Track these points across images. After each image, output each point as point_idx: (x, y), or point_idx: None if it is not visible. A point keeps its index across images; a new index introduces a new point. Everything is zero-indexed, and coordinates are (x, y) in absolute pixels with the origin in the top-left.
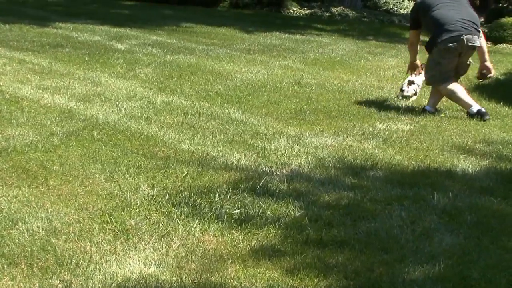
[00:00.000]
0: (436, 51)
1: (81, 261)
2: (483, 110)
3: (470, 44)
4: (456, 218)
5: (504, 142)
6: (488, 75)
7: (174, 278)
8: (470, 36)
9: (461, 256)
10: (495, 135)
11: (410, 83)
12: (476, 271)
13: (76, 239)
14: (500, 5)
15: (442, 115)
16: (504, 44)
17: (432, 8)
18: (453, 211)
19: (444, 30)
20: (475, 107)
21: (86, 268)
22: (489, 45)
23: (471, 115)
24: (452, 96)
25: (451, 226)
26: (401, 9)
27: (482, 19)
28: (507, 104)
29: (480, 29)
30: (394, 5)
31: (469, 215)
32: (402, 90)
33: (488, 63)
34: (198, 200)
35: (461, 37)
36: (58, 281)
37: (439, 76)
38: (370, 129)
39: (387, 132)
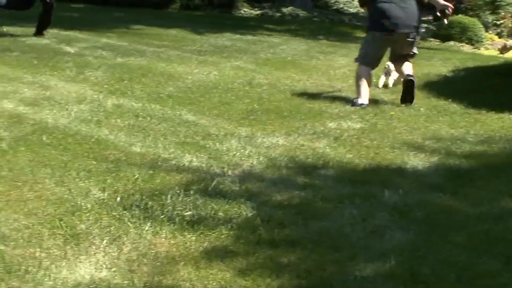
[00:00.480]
0: (370, 34)
1: (31, 267)
2: (364, 104)
3: (406, 39)
4: (406, 214)
5: (452, 138)
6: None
7: (126, 282)
8: (403, 31)
9: (412, 252)
10: (444, 131)
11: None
12: (426, 267)
13: (25, 245)
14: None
15: (392, 113)
16: (452, 42)
17: None
18: (403, 208)
19: (381, 18)
20: (361, 100)
21: (36, 275)
22: (437, 43)
23: (352, 103)
24: (356, 78)
25: (402, 223)
26: (351, 8)
27: (431, 17)
28: (455, 101)
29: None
30: (344, 4)
31: (419, 212)
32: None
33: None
34: (150, 202)
35: (394, 31)
36: None
37: (362, 56)
38: (321, 128)
39: (338, 131)
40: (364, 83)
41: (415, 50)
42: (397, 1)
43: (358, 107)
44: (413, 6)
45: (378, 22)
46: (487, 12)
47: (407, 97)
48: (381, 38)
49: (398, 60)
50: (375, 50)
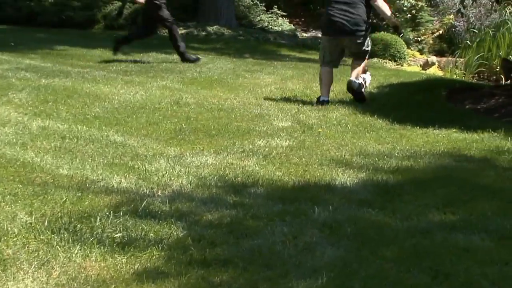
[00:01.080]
0: (322, 38)
1: None
2: (325, 99)
3: (351, 42)
4: (336, 231)
5: (379, 154)
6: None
7: None
8: (346, 36)
9: (343, 268)
10: (371, 147)
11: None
12: (357, 282)
13: None
14: (370, 21)
15: (320, 130)
16: (376, 59)
17: None
18: (333, 224)
19: (329, 24)
20: (322, 97)
21: None
22: None
23: (317, 101)
24: (319, 78)
25: (332, 239)
26: (276, 26)
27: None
28: (381, 117)
29: (364, 26)
30: (269, 23)
31: (348, 227)
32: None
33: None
34: (79, 225)
35: (339, 36)
36: None
37: (321, 58)
38: (250, 146)
39: (266, 149)
40: (324, 82)
41: (366, 47)
42: (343, 6)
43: (320, 104)
44: (359, 11)
45: (325, 27)
46: (408, 29)
47: (356, 99)
48: (329, 41)
49: (353, 59)
50: (328, 52)
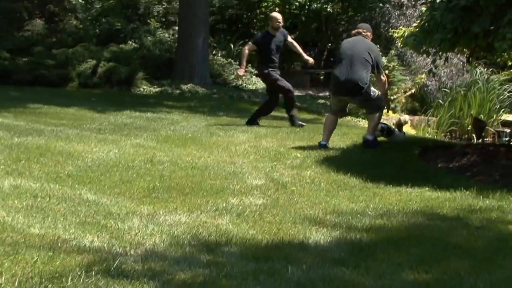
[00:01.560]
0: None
1: None
2: (323, 143)
3: (352, 100)
4: None
5: (353, 212)
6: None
7: None
8: (346, 95)
9: None
10: (344, 206)
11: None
12: None
13: None
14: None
15: (293, 188)
16: (349, 117)
17: (338, 58)
18: (307, 283)
19: (332, 82)
20: (323, 141)
21: None
22: None
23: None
24: (324, 123)
25: None
26: (250, 85)
27: (327, 93)
28: (354, 175)
29: (363, 87)
30: (243, 81)
31: (322, 287)
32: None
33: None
34: (50, 285)
35: (340, 94)
36: None
37: (330, 107)
38: (224, 205)
39: (240, 207)
40: (326, 128)
41: (373, 102)
42: (345, 68)
43: (319, 148)
44: (359, 73)
45: (331, 84)
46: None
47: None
48: (333, 96)
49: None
50: (334, 104)
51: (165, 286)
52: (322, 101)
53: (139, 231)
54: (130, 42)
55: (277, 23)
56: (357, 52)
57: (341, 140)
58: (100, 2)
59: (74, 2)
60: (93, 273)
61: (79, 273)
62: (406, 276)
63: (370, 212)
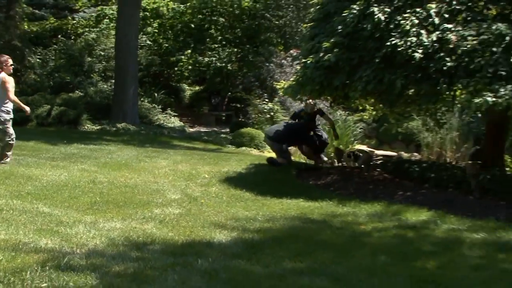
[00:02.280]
0: None
1: None
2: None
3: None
4: (214, 277)
5: (247, 218)
6: None
7: None
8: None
9: None
10: (240, 213)
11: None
12: None
13: None
14: (239, 119)
15: (202, 201)
16: (244, 147)
17: None
18: (212, 272)
19: None
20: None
21: None
22: (233, 148)
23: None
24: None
25: (211, 283)
26: (169, 123)
27: (228, 129)
28: (248, 190)
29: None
30: (164, 121)
31: (224, 274)
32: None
33: None
34: (12, 278)
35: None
36: None
37: None
38: (149, 214)
39: (162, 215)
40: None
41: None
42: None
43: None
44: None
45: None
46: (268, 126)
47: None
48: None
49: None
50: None
51: (103, 276)
52: (223, 135)
53: (84, 235)
54: (77, 92)
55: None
56: None
57: (238, 164)
58: (54, 61)
59: (32, 61)
60: (47, 268)
61: (36, 268)
62: (286, 265)
63: (259, 218)
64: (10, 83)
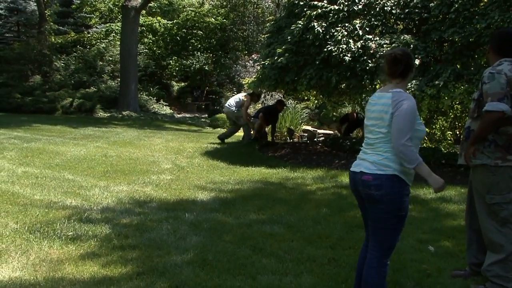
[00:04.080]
0: None
1: None
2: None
3: None
4: (198, 226)
5: (222, 182)
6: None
7: (32, 277)
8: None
9: (202, 248)
10: (217, 178)
11: None
12: (211, 255)
13: None
14: (215, 107)
15: (188, 169)
16: (219, 128)
17: None
18: (196, 223)
19: None
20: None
21: None
22: (211, 129)
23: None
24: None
25: (196, 231)
26: (162, 111)
27: (206, 115)
28: (223, 161)
29: None
30: (158, 109)
31: (205, 224)
32: None
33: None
34: (46, 228)
35: None
36: None
37: None
38: (148, 179)
39: (157, 181)
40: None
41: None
42: None
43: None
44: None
45: None
46: None
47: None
48: None
49: None
50: None
51: (114, 227)
52: (203, 119)
53: (99, 196)
54: (92, 88)
55: None
56: None
57: (215, 141)
58: (74, 65)
59: (58, 65)
60: (72, 221)
61: (63, 221)
62: (252, 216)
63: (231, 181)
64: None
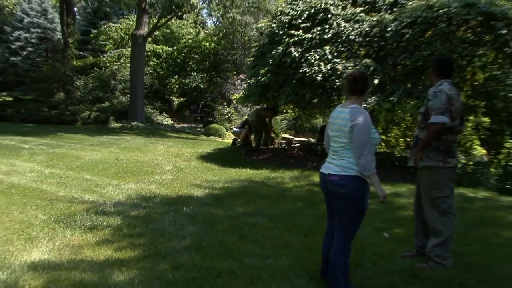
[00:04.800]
0: None
1: (7, 255)
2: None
3: None
4: (194, 218)
5: (214, 181)
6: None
7: (57, 259)
8: None
9: (198, 236)
10: (210, 178)
11: None
12: (205, 241)
13: (2, 244)
14: (209, 119)
15: (186, 171)
16: (212, 137)
17: None
18: (193, 215)
19: None
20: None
21: (10, 259)
22: (205, 137)
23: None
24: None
25: (192, 222)
26: (164, 122)
27: (201, 125)
28: (215, 163)
29: None
30: (161, 120)
31: (200, 216)
32: None
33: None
34: (69, 219)
35: None
36: None
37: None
38: (152, 179)
39: (160, 180)
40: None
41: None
42: None
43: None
44: None
45: None
46: (227, 122)
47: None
48: None
49: None
50: None
51: (124, 218)
52: (199, 129)
53: (112, 192)
54: (106, 102)
55: None
56: None
57: (209, 147)
58: (91, 83)
59: (78, 84)
60: (90, 213)
61: (83, 213)
62: (239, 210)
63: (222, 180)
64: None
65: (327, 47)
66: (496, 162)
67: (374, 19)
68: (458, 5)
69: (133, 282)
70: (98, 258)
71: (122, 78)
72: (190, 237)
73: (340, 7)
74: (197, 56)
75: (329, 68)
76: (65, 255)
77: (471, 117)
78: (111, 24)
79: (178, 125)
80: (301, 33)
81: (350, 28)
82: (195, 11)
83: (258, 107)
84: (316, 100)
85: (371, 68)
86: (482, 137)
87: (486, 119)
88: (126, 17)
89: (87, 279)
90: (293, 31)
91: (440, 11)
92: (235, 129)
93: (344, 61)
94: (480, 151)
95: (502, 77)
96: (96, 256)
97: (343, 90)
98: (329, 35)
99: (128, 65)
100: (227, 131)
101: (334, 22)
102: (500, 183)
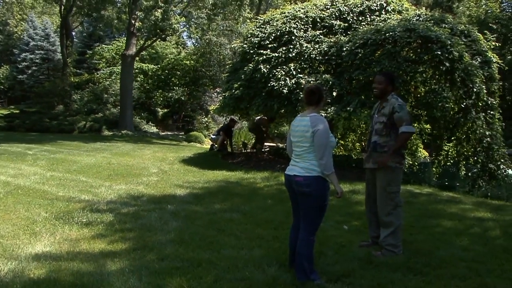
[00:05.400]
0: None
1: (14, 248)
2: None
3: None
4: (177, 214)
5: (195, 181)
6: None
7: (58, 251)
8: None
9: (180, 230)
10: (191, 179)
11: None
12: (186, 235)
13: (10, 238)
14: (189, 127)
15: (169, 173)
16: (192, 143)
17: None
18: (176, 212)
19: None
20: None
21: (16, 251)
22: (186, 143)
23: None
24: None
25: (175, 218)
26: (150, 130)
27: (183, 132)
28: (195, 166)
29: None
30: (147, 128)
31: (182, 213)
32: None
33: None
34: (67, 216)
35: None
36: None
37: None
38: (140, 180)
39: (147, 181)
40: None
41: None
42: None
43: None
44: None
45: None
46: (205, 130)
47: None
48: None
49: None
50: None
51: (116, 215)
52: (181, 136)
53: (105, 193)
54: (100, 114)
55: None
56: None
57: (189, 152)
58: (87, 97)
59: (75, 98)
60: (86, 211)
61: (79, 211)
62: (217, 207)
63: (201, 181)
64: None
65: (292, 64)
66: (437, 162)
67: (332, 40)
68: (401, 30)
69: (124, 271)
70: (93, 250)
71: (113, 92)
72: (174, 232)
73: (302, 30)
74: (179, 73)
75: (293, 82)
76: (65, 248)
77: (415, 125)
78: (103, 45)
79: (163, 133)
80: (269, 52)
81: (311, 48)
82: (177, 34)
83: (257, 117)
84: (283, 110)
85: (330, 82)
86: (425, 141)
87: (428, 126)
88: (117, 39)
89: (84, 268)
90: (262, 51)
91: (387, 34)
92: (212, 136)
93: (306, 76)
94: (423, 153)
95: (439, 90)
96: (91, 248)
97: (302, 102)
98: (293, 54)
99: (119, 81)
100: (205, 138)
101: (297, 43)
102: (440, 180)
